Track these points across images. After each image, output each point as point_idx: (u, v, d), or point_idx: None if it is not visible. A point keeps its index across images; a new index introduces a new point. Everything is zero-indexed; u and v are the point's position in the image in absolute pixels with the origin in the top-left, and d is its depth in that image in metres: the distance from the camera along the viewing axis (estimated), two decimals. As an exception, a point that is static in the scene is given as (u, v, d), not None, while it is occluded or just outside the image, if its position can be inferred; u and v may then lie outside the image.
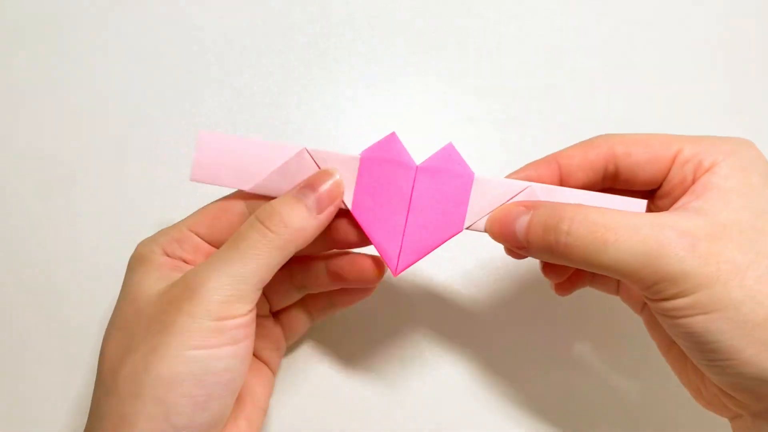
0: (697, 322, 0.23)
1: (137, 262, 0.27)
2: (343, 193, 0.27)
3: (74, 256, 0.38)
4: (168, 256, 0.27)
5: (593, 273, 0.32)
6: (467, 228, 0.27)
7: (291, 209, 0.25)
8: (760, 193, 0.25)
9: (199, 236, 0.28)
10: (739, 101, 0.41)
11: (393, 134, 0.27)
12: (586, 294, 0.36)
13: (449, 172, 0.27)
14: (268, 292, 0.32)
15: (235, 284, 0.24)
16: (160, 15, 0.41)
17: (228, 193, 0.29)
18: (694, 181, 0.26)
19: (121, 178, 0.39)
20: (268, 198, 0.27)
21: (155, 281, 0.26)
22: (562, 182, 0.28)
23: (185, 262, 0.28)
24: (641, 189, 0.29)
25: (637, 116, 0.40)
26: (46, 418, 0.37)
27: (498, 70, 0.41)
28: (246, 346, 0.25)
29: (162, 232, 0.28)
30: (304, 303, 0.33)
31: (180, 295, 0.24)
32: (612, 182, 0.29)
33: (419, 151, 0.40)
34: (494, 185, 0.27)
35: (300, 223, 0.25)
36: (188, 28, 0.41)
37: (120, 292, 0.27)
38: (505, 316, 0.38)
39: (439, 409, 0.37)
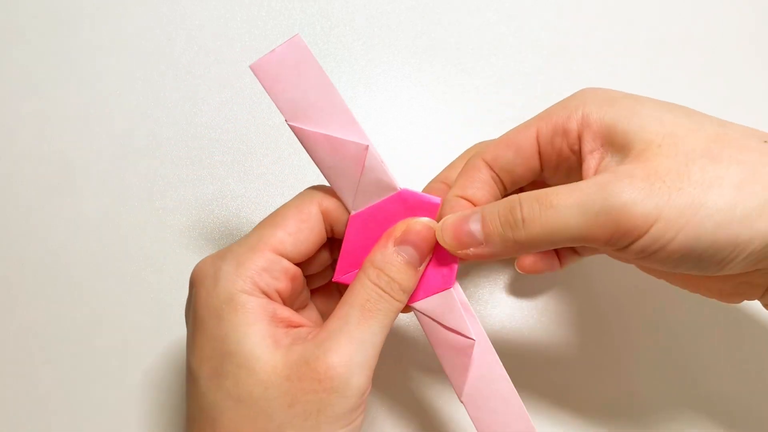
0: (681, 241, 0.23)
1: (228, 306, 0.25)
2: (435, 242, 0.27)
3: (74, 256, 0.38)
4: (260, 289, 0.26)
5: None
6: None
7: (405, 275, 0.26)
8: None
9: (283, 255, 0.26)
10: (736, 102, 0.41)
11: (437, 201, 0.27)
12: (591, 293, 0.36)
13: None
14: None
15: (372, 361, 0.25)
16: (160, 15, 0.41)
17: (304, 191, 0.28)
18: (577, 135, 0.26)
19: (121, 178, 0.39)
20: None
21: (264, 342, 0.25)
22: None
23: (278, 291, 0.26)
24: (533, 180, 0.29)
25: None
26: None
27: (498, 70, 0.41)
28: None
29: (243, 261, 0.25)
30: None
31: (322, 382, 0.24)
32: (511, 186, 0.29)
33: (418, 151, 0.40)
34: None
35: (412, 283, 0.27)
36: (188, 28, 0.41)
37: (208, 341, 0.25)
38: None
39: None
